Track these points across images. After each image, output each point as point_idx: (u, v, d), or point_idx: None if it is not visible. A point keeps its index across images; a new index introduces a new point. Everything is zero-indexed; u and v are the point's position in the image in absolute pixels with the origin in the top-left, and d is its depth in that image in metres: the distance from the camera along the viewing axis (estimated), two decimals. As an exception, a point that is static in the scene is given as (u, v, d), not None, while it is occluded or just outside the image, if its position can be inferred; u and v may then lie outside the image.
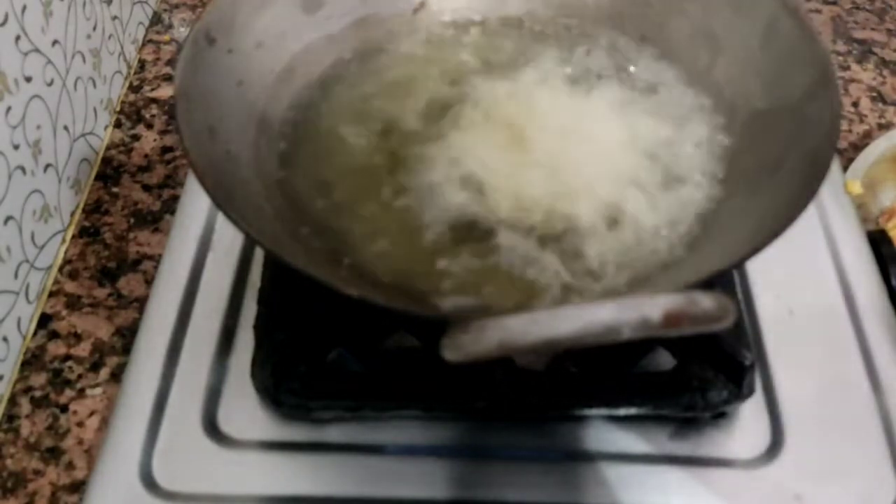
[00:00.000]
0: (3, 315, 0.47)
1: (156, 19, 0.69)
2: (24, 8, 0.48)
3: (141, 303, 0.50)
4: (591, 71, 0.49)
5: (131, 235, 0.55)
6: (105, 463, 0.42)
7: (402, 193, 0.43)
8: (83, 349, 0.49)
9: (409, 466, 0.42)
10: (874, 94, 0.66)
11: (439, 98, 0.48)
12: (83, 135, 0.57)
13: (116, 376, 0.48)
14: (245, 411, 0.44)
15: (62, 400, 0.47)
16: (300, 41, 0.47)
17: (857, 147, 0.60)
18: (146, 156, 0.59)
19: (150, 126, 0.61)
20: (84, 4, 0.56)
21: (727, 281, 0.48)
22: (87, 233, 0.55)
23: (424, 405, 0.43)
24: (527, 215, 0.42)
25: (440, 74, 0.49)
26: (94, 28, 0.58)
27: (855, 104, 0.65)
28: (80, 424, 0.46)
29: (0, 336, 0.47)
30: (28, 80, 0.49)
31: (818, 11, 0.72)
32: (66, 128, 0.54)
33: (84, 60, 0.56)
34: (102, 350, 0.49)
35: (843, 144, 0.62)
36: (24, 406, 0.47)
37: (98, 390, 0.47)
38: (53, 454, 0.45)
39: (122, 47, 0.63)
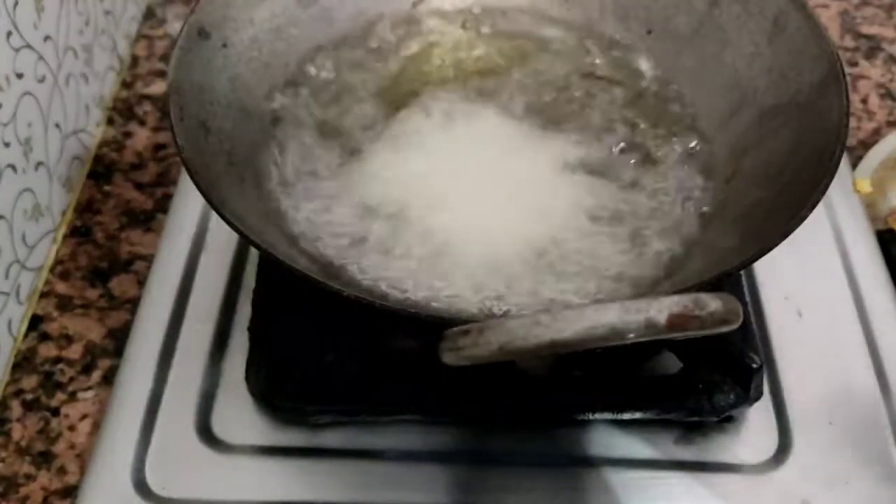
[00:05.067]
0: (-6, 316, 0.47)
1: (149, 14, 0.68)
2: (15, 3, 0.47)
3: (133, 304, 0.50)
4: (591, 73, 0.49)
5: (123, 235, 0.54)
6: (97, 468, 0.42)
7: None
8: (75, 351, 0.49)
9: (408, 472, 0.41)
10: (883, 91, 0.65)
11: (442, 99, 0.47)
12: (75, 132, 0.56)
13: (108, 379, 0.47)
14: (239, 415, 0.43)
15: (53, 403, 0.46)
16: (295, 36, 0.47)
17: (867, 144, 0.60)
18: (139, 153, 0.59)
19: (142, 123, 0.61)
20: (76, -1, 0.55)
21: (735, 282, 0.47)
22: (79, 232, 0.54)
23: (424, 410, 0.42)
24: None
25: (439, 71, 0.49)
26: (87, 23, 0.57)
27: (864, 101, 0.64)
28: (71, 428, 0.45)
29: (-10, 338, 0.46)
30: (19, 76, 0.48)
31: (825, 6, 0.71)
32: (57, 125, 0.53)
33: (76, 56, 0.56)
34: (94, 352, 0.48)
35: (852, 142, 0.61)
36: (16, 409, 0.46)
37: (90, 393, 0.47)
38: (45, 458, 0.44)
39: (114, 43, 0.62)
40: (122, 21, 0.64)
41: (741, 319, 0.28)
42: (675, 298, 0.27)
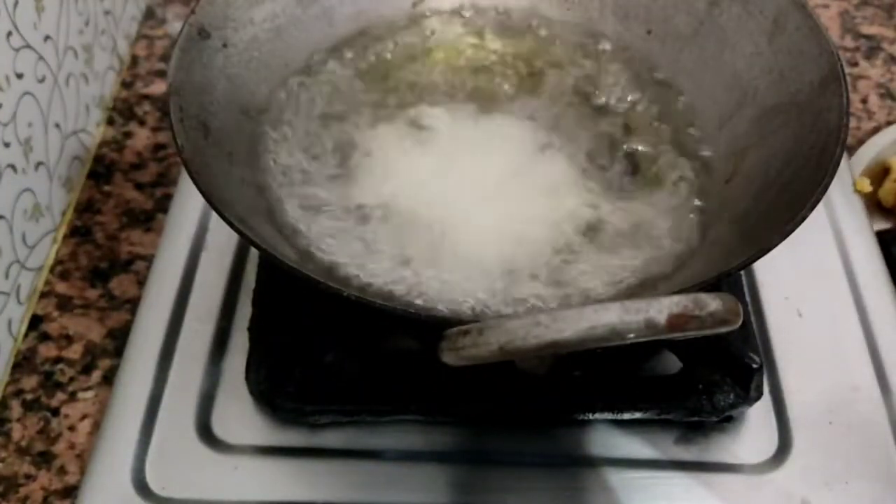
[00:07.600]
0: (-6, 317, 0.47)
1: (149, 14, 0.68)
2: (15, 3, 0.47)
3: (133, 304, 0.50)
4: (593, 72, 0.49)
5: (123, 235, 0.54)
6: (97, 468, 0.41)
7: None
8: (74, 351, 0.48)
9: (408, 472, 0.41)
10: (883, 91, 0.65)
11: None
12: (75, 132, 0.56)
13: (108, 379, 0.47)
14: (239, 415, 0.43)
15: (53, 403, 0.46)
16: (295, 36, 0.47)
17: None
18: (139, 153, 0.59)
19: (142, 123, 0.61)
20: (76, -1, 0.55)
21: (735, 282, 0.47)
22: (79, 232, 0.54)
23: (424, 410, 0.42)
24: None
25: (439, 72, 0.49)
26: (87, 23, 0.57)
27: (864, 101, 0.64)
28: (71, 428, 0.45)
29: (-10, 338, 0.46)
30: (19, 76, 0.48)
31: (825, 6, 0.71)
32: (57, 125, 0.53)
33: (76, 56, 0.56)
34: (94, 352, 0.48)
35: (852, 142, 0.61)
36: (16, 409, 0.46)
37: (90, 393, 0.47)
38: (45, 458, 0.44)
39: (114, 43, 0.62)
40: (122, 21, 0.64)
41: (741, 319, 0.28)
42: (675, 299, 0.27)
